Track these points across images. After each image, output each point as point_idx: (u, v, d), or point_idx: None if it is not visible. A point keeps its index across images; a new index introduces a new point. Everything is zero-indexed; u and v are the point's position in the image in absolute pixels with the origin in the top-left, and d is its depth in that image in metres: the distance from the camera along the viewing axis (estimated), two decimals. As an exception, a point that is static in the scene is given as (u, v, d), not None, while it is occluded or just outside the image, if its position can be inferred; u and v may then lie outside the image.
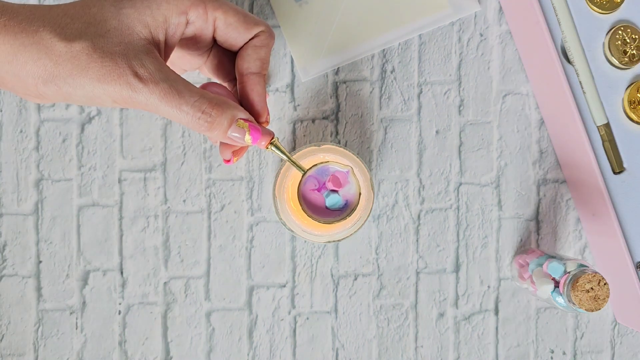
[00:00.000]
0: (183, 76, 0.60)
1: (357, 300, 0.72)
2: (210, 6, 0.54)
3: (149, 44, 0.51)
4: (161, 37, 0.52)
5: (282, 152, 0.57)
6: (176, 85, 0.50)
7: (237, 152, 0.58)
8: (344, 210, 0.65)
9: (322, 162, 0.64)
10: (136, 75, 0.49)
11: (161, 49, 0.52)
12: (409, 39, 0.71)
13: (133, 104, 0.50)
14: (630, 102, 0.65)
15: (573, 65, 0.65)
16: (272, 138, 0.55)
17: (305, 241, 0.71)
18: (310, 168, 0.63)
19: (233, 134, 0.53)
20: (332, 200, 0.65)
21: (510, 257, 0.72)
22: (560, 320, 0.72)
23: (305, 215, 0.64)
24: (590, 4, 0.65)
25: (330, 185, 0.65)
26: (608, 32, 0.65)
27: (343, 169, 0.65)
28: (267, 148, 0.55)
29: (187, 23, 0.54)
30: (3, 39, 0.48)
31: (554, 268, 0.63)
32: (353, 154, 0.64)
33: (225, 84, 0.60)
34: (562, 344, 0.72)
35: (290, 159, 0.58)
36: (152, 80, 0.50)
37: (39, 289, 0.71)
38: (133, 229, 0.71)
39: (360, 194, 0.65)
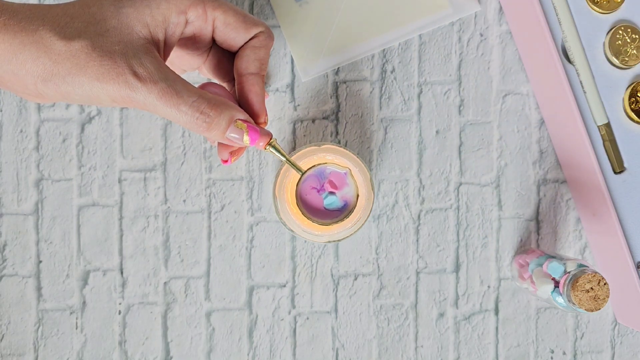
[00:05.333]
0: (182, 76, 0.60)
1: (357, 300, 0.71)
2: (209, 6, 0.54)
3: (148, 43, 0.51)
4: (160, 37, 0.52)
5: (280, 153, 0.57)
6: (175, 85, 0.50)
7: (235, 152, 0.58)
8: (343, 211, 0.65)
9: (320, 164, 0.64)
10: (135, 74, 0.49)
11: (160, 48, 0.52)
12: (409, 39, 0.71)
13: (131, 104, 0.50)
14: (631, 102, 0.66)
15: (573, 65, 0.65)
16: (270, 139, 0.55)
17: (305, 241, 0.71)
18: (308, 169, 0.63)
19: (231, 134, 0.53)
20: (329, 202, 0.65)
21: (510, 257, 0.72)
22: (560, 320, 0.72)
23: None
24: (590, 3, 0.65)
25: (328, 187, 0.65)
26: (608, 32, 0.65)
27: (341, 170, 0.64)
28: (265, 149, 0.55)
29: (187, 23, 0.54)
30: (3, 37, 0.48)
31: (554, 268, 0.63)
32: (353, 154, 0.64)
33: (224, 84, 0.60)
34: (562, 344, 0.72)
35: (288, 160, 0.58)
36: (150, 80, 0.50)
37: (39, 289, 0.71)
38: (133, 229, 0.71)
39: (357, 196, 0.65)
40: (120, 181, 0.71)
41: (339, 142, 0.71)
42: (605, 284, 0.59)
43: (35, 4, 0.51)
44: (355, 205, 0.64)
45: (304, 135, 0.71)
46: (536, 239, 0.72)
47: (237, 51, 0.57)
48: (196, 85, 0.54)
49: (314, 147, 0.65)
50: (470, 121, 0.71)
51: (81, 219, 0.71)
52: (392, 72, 0.71)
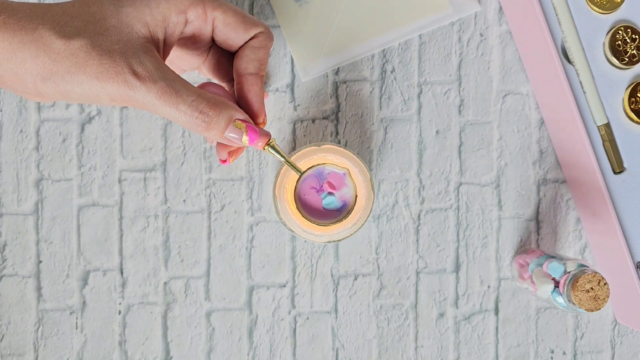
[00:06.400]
0: (182, 76, 0.60)
1: (357, 300, 0.71)
2: (209, 6, 0.54)
3: (147, 42, 0.51)
4: (160, 36, 0.52)
5: (279, 153, 0.57)
6: (174, 84, 0.50)
7: (234, 152, 0.58)
8: (342, 212, 0.65)
9: (318, 164, 0.64)
10: (134, 73, 0.49)
11: (160, 47, 0.52)
12: (409, 39, 0.71)
13: (130, 103, 0.50)
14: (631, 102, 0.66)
15: (573, 65, 0.65)
16: (269, 139, 0.55)
17: (305, 241, 0.71)
18: (307, 170, 0.63)
19: (230, 134, 0.53)
20: (328, 202, 0.65)
21: (510, 257, 0.72)
22: (560, 320, 0.72)
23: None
24: (590, 4, 0.65)
25: (327, 187, 0.65)
26: (608, 32, 0.65)
27: (340, 171, 0.64)
28: (264, 149, 0.55)
29: (186, 22, 0.54)
30: (2, 36, 0.48)
31: (554, 268, 0.63)
32: (353, 154, 0.64)
33: (224, 85, 0.60)
34: (562, 344, 0.72)
35: (287, 161, 0.58)
36: (149, 79, 0.50)
37: (39, 289, 0.71)
38: (133, 229, 0.71)
39: (356, 196, 0.64)
40: (120, 181, 0.71)
41: (339, 142, 0.71)
42: (605, 284, 0.59)
43: (35, 3, 0.51)
44: (354, 206, 0.64)
45: (304, 135, 0.71)
46: (536, 239, 0.72)
47: (237, 51, 0.57)
48: (195, 85, 0.54)
49: (313, 147, 0.65)
50: (470, 121, 0.71)
51: (81, 219, 0.71)
52: (392, 72, 0.71)
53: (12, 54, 0.48)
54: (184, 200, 0.71)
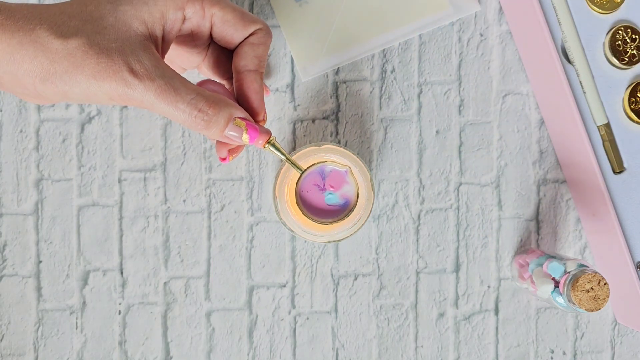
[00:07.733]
0: (182, 75, 0.60)
1: (357, 300, 0.71)
2: (207, 2, 0.54)
3: (145, 40, 0.51)
4: (158, 33, 0.52)
5: (279, 151, 0.56)
6: (173, 82, 0.50)
7: (234, 150, 0.58)
8: (344, 209, 0.65)
9: (320, 162, 0.64)
10: (132, 71, 0.49)
11: (158, 45, 0.52)
12: (409, 39, 0.71)
13: (129, 101, 0.50)
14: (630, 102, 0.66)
15: (573, 65, 0.65)
16: (270, 137, 0.55)
17: (305, 241, 0.71)
18: (308, 168, 0.63)
19: (230, 132, 0.53)
20: (330, 199, 0.65)
21: (510, 257, 0.72)
22: (560, 320, 0.72)
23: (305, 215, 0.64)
24: (590, 4, 0.65)
25: (329, 186, 0.65)
26: (608, 32, 0.65)
27: (341, 169, 0.64)
28: (265, 147, 0.55)
29: (184, 19, 0.54)
30: (0, 37, 0.48)
31: (554, 268, 0.63)
32: (353, 154, 0.64)
33: (224, 82, 0.60)
34: (562, 344, 0.72)
35: (288, 159, 0.58)
36: (148, 77, 0.49)
37: (39, 289, 0.71)
38: (133, 229, 0.71)
39: (358, 194, 0.64)
40: (120, 181, 0.71)
41: (339, 142, 0.71)
42: (605, 284, 0.59)
43: (33, 4, 0.51)
44: (356, 204, 0.64)
45: (304, 135, 0.71)
46: (536, 239, 0.72)
47: (236, 48, 0.57)
48: (195, 83, 0.54)
49: (314, 147, 0.65)
50: (470, 121, 0.71)
51: (81, 219, 0.71)
52: (392, 72, 0.71)
53: (10, 55, 0.48)
54: (184, 200, 0.71)
